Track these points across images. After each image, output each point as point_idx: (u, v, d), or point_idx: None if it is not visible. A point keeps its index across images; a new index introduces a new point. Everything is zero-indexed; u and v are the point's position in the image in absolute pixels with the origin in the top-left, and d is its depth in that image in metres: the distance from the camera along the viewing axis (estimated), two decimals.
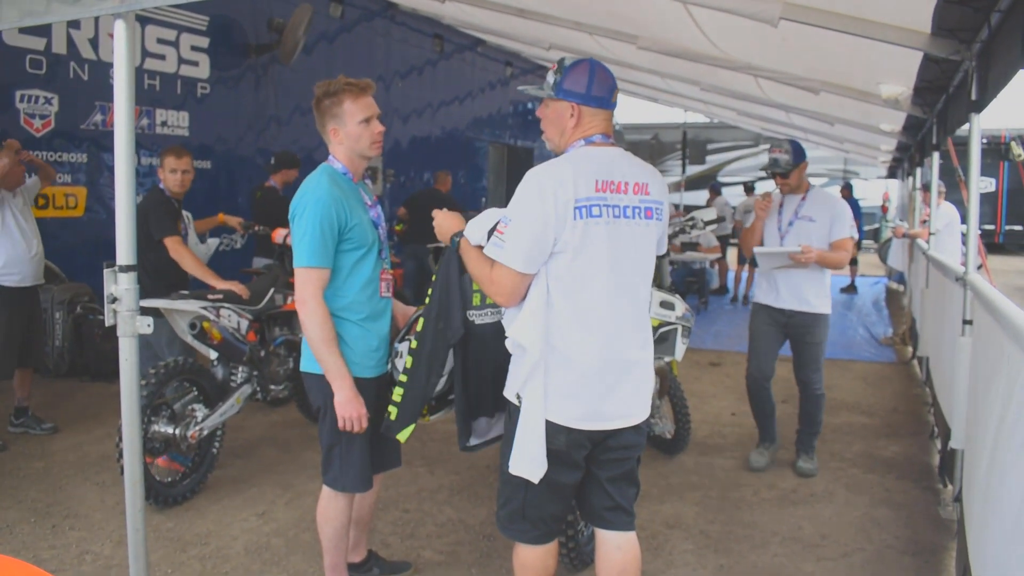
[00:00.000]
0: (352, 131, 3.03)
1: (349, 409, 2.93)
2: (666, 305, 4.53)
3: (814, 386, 5.03)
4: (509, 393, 2.62)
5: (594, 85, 2.56)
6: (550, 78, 2.61)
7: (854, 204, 14.79)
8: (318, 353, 2.94)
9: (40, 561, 3.75)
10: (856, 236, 4.51)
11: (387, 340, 3.19)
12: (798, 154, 4.88)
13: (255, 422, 5.91)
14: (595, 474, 2.67)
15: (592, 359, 2.51)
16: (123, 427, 2.58)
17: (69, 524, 4.16)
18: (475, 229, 2.65)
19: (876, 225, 21.54)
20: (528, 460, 2.52)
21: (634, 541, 2.74)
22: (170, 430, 4.38)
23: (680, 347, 4.71)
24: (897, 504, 4.59)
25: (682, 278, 11.42)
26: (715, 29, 5.68)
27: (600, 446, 2.60)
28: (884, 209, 20.05)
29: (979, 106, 3.87)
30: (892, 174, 15.48)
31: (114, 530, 4.06)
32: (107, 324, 2.53)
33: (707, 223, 5.31)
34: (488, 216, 2.64)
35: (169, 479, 4.46)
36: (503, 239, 2.46)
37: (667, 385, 5.03)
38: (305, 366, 3.10)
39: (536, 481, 2.53)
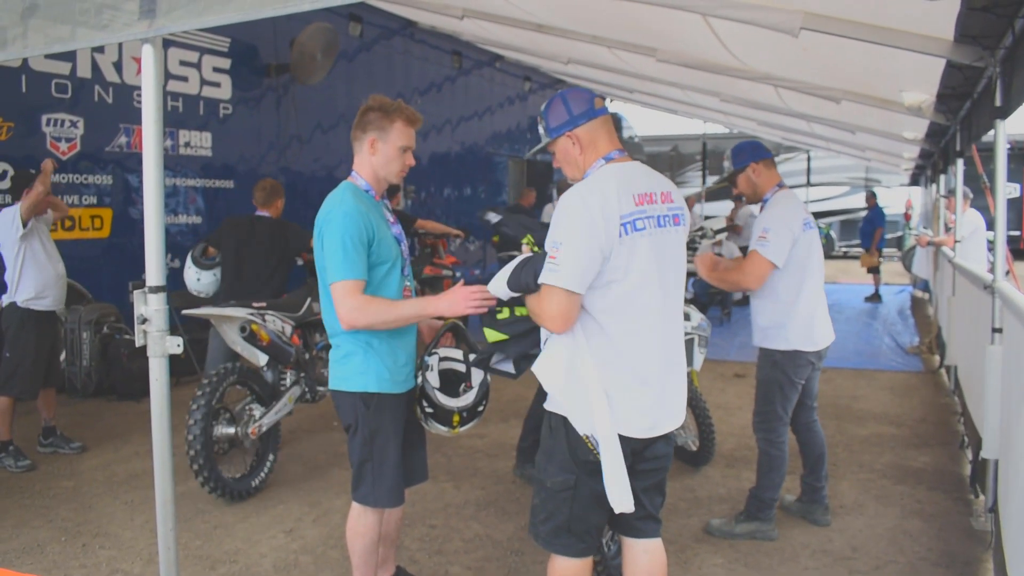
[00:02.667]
0: (390, 152, 3.06)
1: (458, 293, 2.84)
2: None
3: (755, 436, 4.33)
4: (551, 406, 2.63)
5: (571, 106, 2.63)
6: (540, 130, 2.73)
7: (878, 212, 14.69)
8: (398, 321, 2.94)
9: None
10: (765, 249, 4.03)
11: (414, 355, 3.20)
12: (739, 157, 4.21)
13: (281, 440, 5.92)
14: (631, 485, 2.64)
15: (653, 368, 2.57)
16: (154, 447, 2.59)
17: (99, 543, 4.19)
18: (499, 285, 2.68)
19: (900, 233, 21.35)
20: (623, 493, 2.50)
21: (661, 546, 2.77)
22: (232, 430, 4.77)
23: (698, 357, 4.71)
24: (928, 515, 4.53)
25: (704, 289, 11.34)
26: (735, 40, 5.67)
27: (637, 456, 2.61)
28: (907, 217, 19.88)
29: (1005, 112, 3.84)
30: (915, 181, 15.36)
31: (144, 548, 4.08)
32: (137, 344, 2.54)
33: (716, 232, 5.30)
34: (509, 267, 2.65)
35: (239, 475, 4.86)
36: (556, 263, 2.42)
37: (688, 396, 4.99)
38: (334, 384, 3.11)
39: (629, 511, 2.53)
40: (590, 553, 2.70)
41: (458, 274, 8.99)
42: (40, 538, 4.23)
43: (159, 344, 2.53)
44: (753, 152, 4.20)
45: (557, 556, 2.68)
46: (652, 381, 2.57)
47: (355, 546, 3.19)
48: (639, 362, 2.55)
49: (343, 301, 2.89)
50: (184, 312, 5.09)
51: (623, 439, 2.53)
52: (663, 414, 2.61)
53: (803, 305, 4.10)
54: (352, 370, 3.02)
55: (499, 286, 2.67)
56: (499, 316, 2.79)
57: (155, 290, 2.54)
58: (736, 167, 4.22)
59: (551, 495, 2.63)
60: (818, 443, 4.43)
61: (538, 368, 2.62)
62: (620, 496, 2.50)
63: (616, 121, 19.71)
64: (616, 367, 2.53)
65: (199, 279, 5.77)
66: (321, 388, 5.26)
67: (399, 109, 3.08)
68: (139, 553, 4.05)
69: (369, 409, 3.01)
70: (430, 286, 8.96)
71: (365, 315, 2.90)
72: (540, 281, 2.49)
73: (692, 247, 10.94)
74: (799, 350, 4.12)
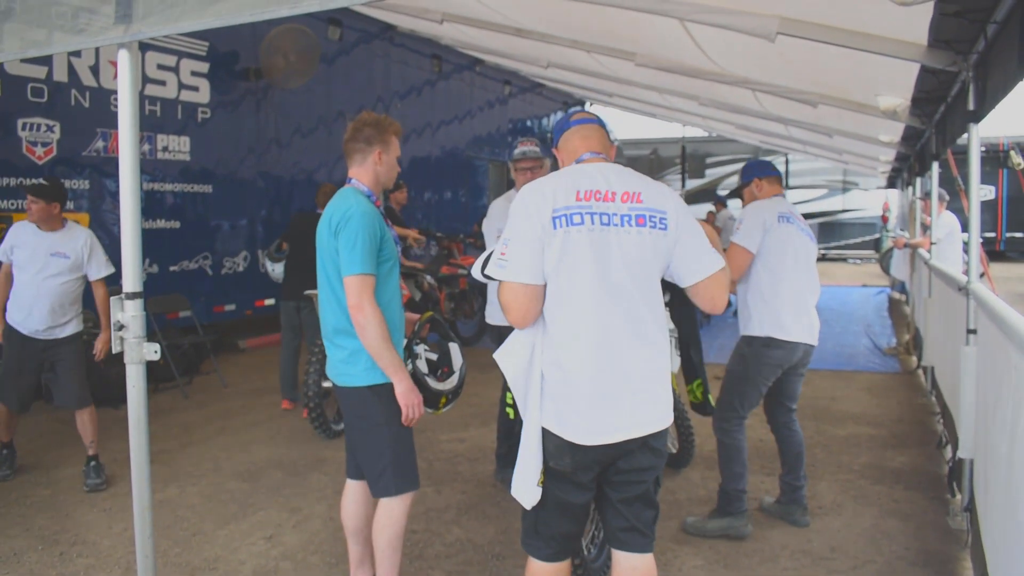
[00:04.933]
0: (391, 161, 3.37)
1: (411, 396, 3.16)
2: None
3: (713, 427, 4.45)
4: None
5: (556, 128, 2.85)
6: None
7: None
8: (379, 350, 3.09)
9: None
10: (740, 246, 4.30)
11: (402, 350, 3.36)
12: (746, 173, 4.53)
13: (260, 447, 5.91)
14: (608, 495, 2.66)
15: (584, 368, 2.48)
16: (132, 455, 2.58)
17: (77, 551, 4.15)
18: (476, 270, 2.78)
19: (877, 235, 21.56)
20: (523, 486, 2.56)
21: (650, 563, 2.69)
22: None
23: (675, 359, 4.71)
24: (906, 515, 4.57)
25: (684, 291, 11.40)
26: (712, 45, 5.71)
27: (612, 467, 2.58)
28: (884, 219, 20.07)
29: (978, 116, 3.89)
30: (892, 184, 15.50)
31: (122, 556, 4.05)
32: (114, 351, 2.53)
33: None
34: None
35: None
36: (505, 259, 2.51)
37: None
38: (345, 381, 3.24)
39: (528, 507, 2.57)
40: (561, 558, 2.68)
41: (464, 271, 9.53)
42: (17, 547, 4.18)
43: (136, 351, 2.52)
44: (759, 169, 4.50)
45: (530, 557, 2.70)
46: (585, 384, 2.48)
47: (383, 537, 3.27)
48: (572, 362, 2.49)
49: (359, 292, 3.06)
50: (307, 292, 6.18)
51: (573, 445, 2.50)
52: (610, 421, 2.49)
53: (779, 295, 4.22)
54: (362, 366, 3.17)
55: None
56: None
57: (132, 296, 2.53)
58: (743, 181, 4.53)
59: None
60: (796, 443, 4.48)
61: (499, 355, 2.65)
62: (521, 491, 2.56)
63: None
64: (553, 364, 2.52)
65: (273, 269, 7.34)
66: None
67: (391, 123, 3.38)
68: (117, 561, 4.02)
69: (381, 399, 3.17)
70: (447, 284, 9.24)
71: (370, 320, 3.06)
72: (486, 274, 2.59)
73: None
74: (771, 336, 4.21)
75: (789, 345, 4.24)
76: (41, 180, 5.29)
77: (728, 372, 4.41)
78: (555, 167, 2.85)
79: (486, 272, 2.61)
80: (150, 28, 2.46)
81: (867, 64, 4.74)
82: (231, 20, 2.27)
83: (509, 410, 3.02)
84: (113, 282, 4.91)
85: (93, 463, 5.12)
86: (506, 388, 3.00)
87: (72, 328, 5.13)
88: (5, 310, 5.11)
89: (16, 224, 5.20)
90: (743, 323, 4.36)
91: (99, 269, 5.14)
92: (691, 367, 4.25)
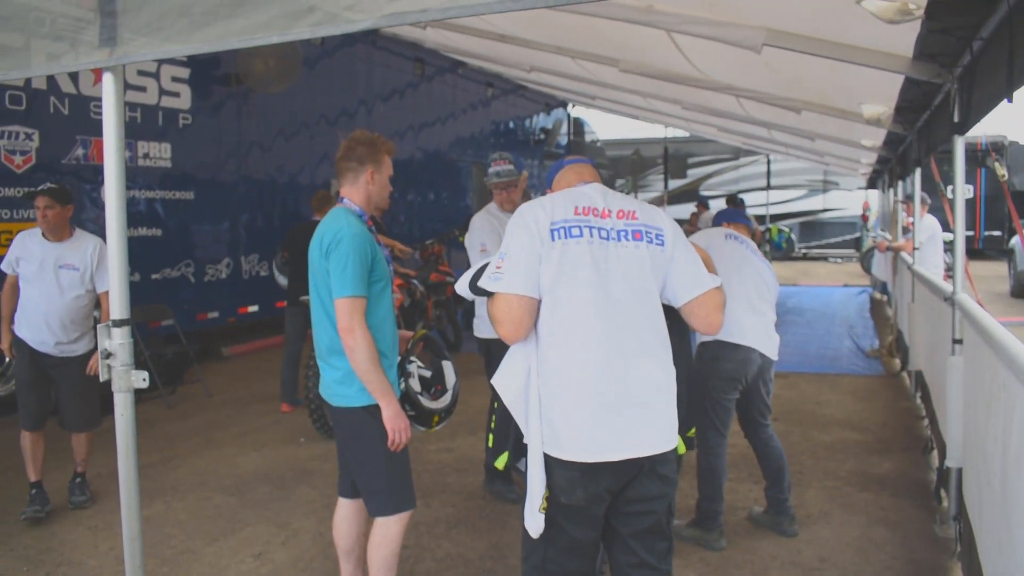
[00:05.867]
0: (384, 181, 3.35)
1: (398, 421, 3.14)
2: None
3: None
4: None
5: (550, 173, 2.91)
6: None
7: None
8: (368, 374, 3.08)
9: None
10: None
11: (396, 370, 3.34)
12: (717, 219, 4.81)
13: (247, 459, 5.86)
14: (616, 528, 2.56)
15: (584, 381, 2.43)
16: (120, 481, 2.55)
17: (63, 572, 4.10)
18: (463, 286, 2.78)
19: (857, 234, 21.71)
20: (528, 512, 2.50)
21: None
22: None
23: None
24: (893, 523, 4.60)
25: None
26: (698, 53, 5.72)
27: (620, 497, 2.50)
28: (864, 218, 20.21)
29: (962, 128, 3.91)
30: (872, 184, 15.62)
31: None
32: (102, 379, 2.49)
33: None
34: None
35: None
36: (500, 272, 2.50)
37: None
38: (341, 402, 3.22)
39: (533, 535, 2.48)
40: None
41: (451, 279, 9.63)
42: (1, 568, 4.12)
43: (124, 379, 2.48)
44: (730, 216, 4.73)
45: None
46: (586, 397, 2.42)
47: (378, 555, 3.26)
48: (571, 376, 2.44)
49: (350, 315, 3.05)
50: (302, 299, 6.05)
51: (568, 465, 2.43)
52: (613, 435, 2.42)
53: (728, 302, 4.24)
54: (357, 387, 3.15)
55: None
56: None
57: (119, 323, 2.49)
58: (714, 224, 4.75)
59: (526, 535, 2.53)
60: (775, 457, 4.49)
61: (496, 380, 2.61)
62: (529, 519, 2.50)
63: (578, 125, 19.80)
64: (549, 380, 2.47)
65: (284, 281, 7.51)
66: None
67: (384, 142, 3.35)
68: None
69: (377, 419, 3.15)
70: (435, 291, 9.30)
71: (360, 344, 3.05)
72: (480, 285, 2.58)
73: None
74: (718, 339, 4.17)
75: (740, 351, 4.22)
76: (49, 184, 4.97)
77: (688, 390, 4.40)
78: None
79: (479, 285, 2.60)
80: (135, 52, 2.41)
81: (852, 74, 4.76)
82: (218, 46, 2.24)
83: (490, 436, 2.96)
84: None
85: (79, 479, 5.02)
86: (492, 412, 2.93)
87: (85, 346, 4.88)
88: (12, 322, 4.87)
89: (21, 234, 4.91)
90: (696, 335, 4.34)
91: (106, 281, 4.85)
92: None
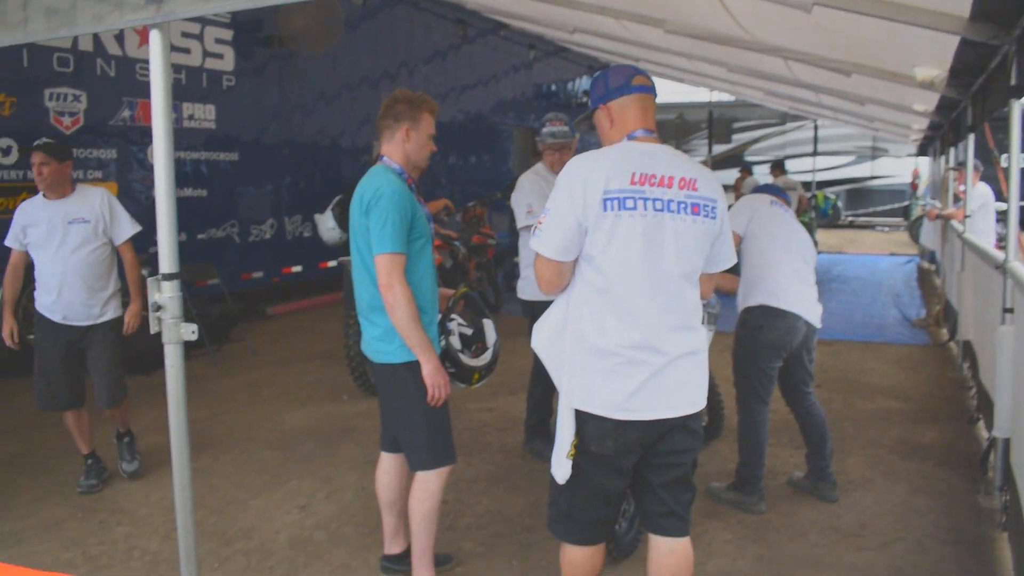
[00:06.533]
0: (421, 139, 3.32)
1: (438, 377, 3.17)
2: None
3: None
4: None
5: (610, 80, 2.66)
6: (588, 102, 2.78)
7: None
8: (408, 330, 3.11)
9: (90, 557, 3.83)
10: None
11: (436, 327, 3.37)
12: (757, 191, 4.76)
13: (291, 416, 5.97)
14: (647, 479, 2.64)
15: (627, 349, 2.47)
16: (171, 432, 2.61)
17: (116, 520, 4.23)
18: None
19: (906, 203, 21.28)
20: (556, 460, 2.56)
21: (687, 546, 2.69)
22: None
23: (707, 334, 4.70)
24: (937, 492, 4.55)
25: None
26: (745, 14, 5.62)
27: (651, 450, 2.58)
28: (914, 186, 19.79)
29: (1020, 92, 3.80)
30: (923, 151, 15.26)
31: (160, 525, 4.13)
32: (152, 331, 2.55)
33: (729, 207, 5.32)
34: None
35: None
36: (541, 229, 2.52)
37: None
38: (382, 358, 3.27)
39: (560, 482, 2.55)
40: (596, 541, 2.68)
41: (493, 241, 9.70)
42: (57, 515, 4.27)
43: (174, 331, 2.53)
44: (771, 190, 4.61)
45: (564, 543, 2.69)
46: (622, 366, 2.48)
47: (420, 509, 3.31)
48: (608, 343, 2.48)
49: (389, 271, 3.07)
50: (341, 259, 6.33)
51: (599, 419, 2.50)
52: (650, 398, 2.49)
53: (773, 268, 4.23)
54: (398, 343, 3.18)
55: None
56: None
57: (169, 277, 2.54)
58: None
59: (553, 481, 2.61)
60: (817, 424, 4.45)
61: (535, 329, 2.69)
62: (556, 466, 2.56)
63: None
64: (586, 340, 2.51)
65: (341, 236, 6.41)
66: None
67: (425, 101, 3.32)
68: (156, 530, 4.09)
69: (417, 376, 3.18)
70: (476, 253, 9.35)
71: (400, 300, 3.07)
72: (530, 243, 2.59)
73: None
74: (765, 304, 4.18)
75: (786, 319, 4.18)
76: (44, 139, 4.63)
77: (733, 356, 4.40)
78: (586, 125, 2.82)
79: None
80: (182, 7, 2.43)
81: (904, 35, 4.64)
82: (263, 2, 2.25)
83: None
84: (142, 247, 4.77)
85: (127, 439, 4.88)
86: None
87: (111, 312, 4.61)
88: (18, 304, 4.64)
89: (22, 204, 4.60)
90: (740, 299, 4.37)
91: (123, 230, 4.60)
92: None
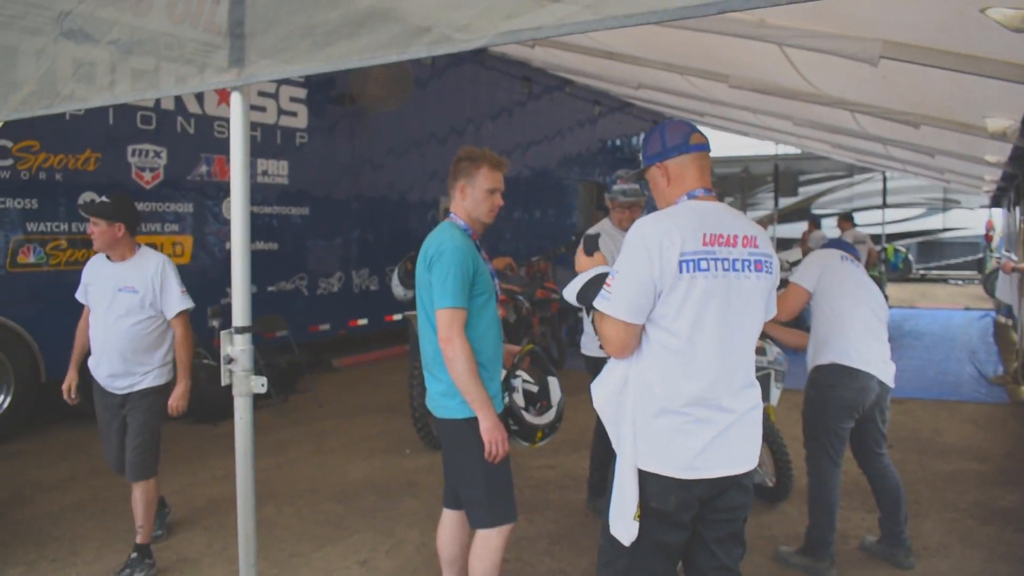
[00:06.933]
0: (478, 195, 3.33)
1: (495, 433, 3.15)
2: (757, 351, 4.45)
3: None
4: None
5: (667, 138, 2.66)
6: (640, 158, 2.77)
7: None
8: (466, 385, 3.12)
9: None
10: None
11: (500, 384, 3.36)
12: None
13: (355, 468, 6.01)
14: (701, 534, 2.63)
15: (697, 408, 2.48)
16: (238, 483, 2.66)
17: (179, 568, 4.29)
18: (570, 292, 2.75)
19: (980, 255, 20.70)
20: (621, 522, 2.53)
21: None
22: None
23: (775, 392, 4.63)
24: (1018, 559, 4.36)
25: None
26: (810, 67, 5.60)
27: (707, 506, 2.57)
28: (988, 238, 19.26)
29: None
30: (996, 202, 14.89)
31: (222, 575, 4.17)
32: (223, 383, 2.62)
33: (792, 264, 5.23)
34: (583, 278, 2.70)
35: None
36: (610, 291, 2.50)
37: (764, 431, 4.91)
38: (444, 413, 3.27)
39: (627, 544, 2.52)
40: None
41: (556, 295, 9.61)
42: (122, 563, 4.33)
43: (244, 383, 2.60)
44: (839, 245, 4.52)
45: None
46: (689, 425, 2.48)
47: (482, 568, 3.28)
48: (676, 402, 2.48)
49: (449, 326, 3.10)
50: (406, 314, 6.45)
51: (664, 477, 2.48)
52: (713, 457, 2.50)
53: (840, 326, 4.12)
54: (460, 399, 3.19)
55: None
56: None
57: (241, 330, 2.61)
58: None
59: (611, 540, 2.58)
60: (892, 487, 4.30)
61: (594, 387, 2.67)
62: (619, 527, 2.53)
63: None
64: (653, 399, 2.50)
65: (405, 294, 6.81)
66: None
67: (484, 157, 3.35)
68: None
69: (476, 431, 3.17)
70: (540, 307, 9.37)
71: (459, 354, 3.09)
72: (594, 305, 2.55)
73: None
74: (836, 363, 4.08)
75: (859, 378, 4.06)
76: (102, 198, 4.41)
77: (803, 416, 4.30)
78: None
79: (593, 303, 2.58)
80: (262, 71, 2.54)
81: (973, 85, 4.57)
82: (341, 65, 2.33)
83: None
84: (214, 299, 4.81)
85: (135, 554, 4.22)
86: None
87: (151, 380, 4.26)
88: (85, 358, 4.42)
89: (92, 259, 4.42)
90: (811, 357, 4.26)
91: (173, 305, 4.27)
92: None
